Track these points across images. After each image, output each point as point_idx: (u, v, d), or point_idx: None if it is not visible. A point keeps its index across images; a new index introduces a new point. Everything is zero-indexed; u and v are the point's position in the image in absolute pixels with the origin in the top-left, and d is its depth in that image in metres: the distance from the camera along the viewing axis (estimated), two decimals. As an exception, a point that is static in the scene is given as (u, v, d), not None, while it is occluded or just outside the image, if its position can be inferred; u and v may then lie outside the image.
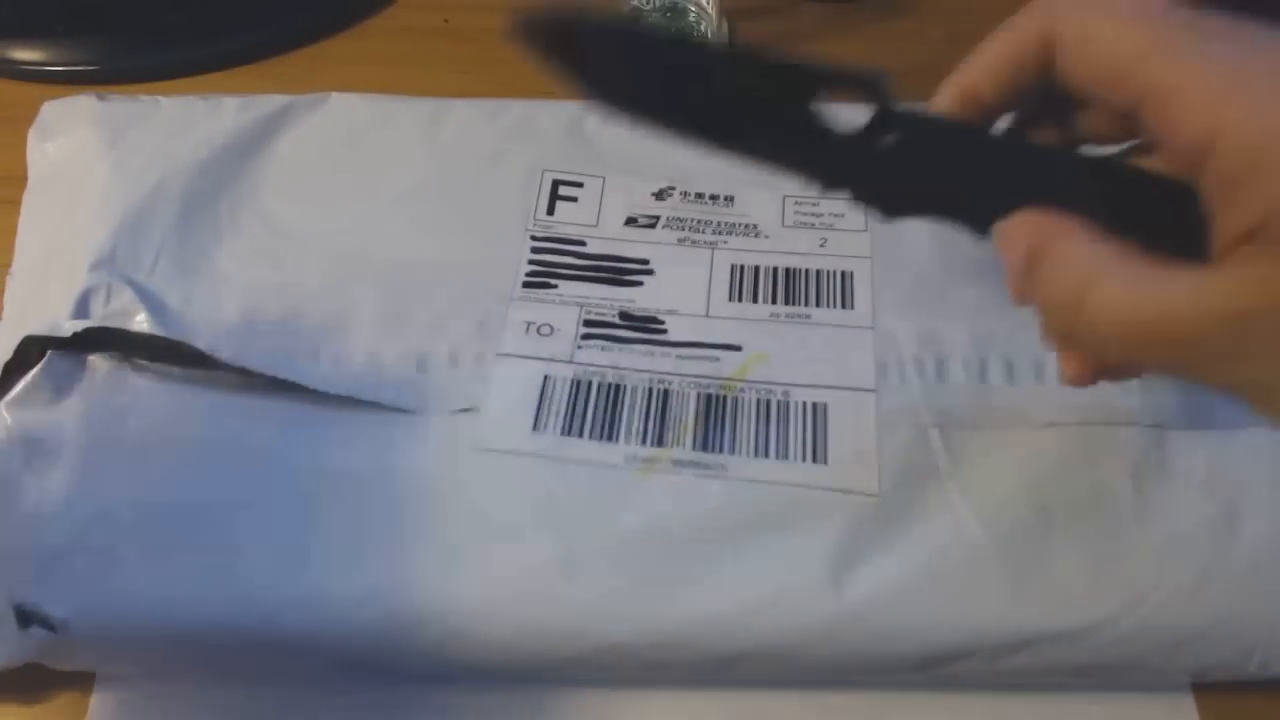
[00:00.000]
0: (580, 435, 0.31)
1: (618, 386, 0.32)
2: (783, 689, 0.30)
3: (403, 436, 0.31)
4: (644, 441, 0.31)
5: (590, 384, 0.32)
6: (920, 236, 0.35)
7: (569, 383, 0.32)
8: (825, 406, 0.31)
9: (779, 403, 0.31)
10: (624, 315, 0.34)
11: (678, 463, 0.30)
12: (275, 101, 0.38)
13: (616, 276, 0.35)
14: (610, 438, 0.31)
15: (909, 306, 0.33)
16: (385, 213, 0.35)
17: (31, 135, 0.38)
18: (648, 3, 0.44)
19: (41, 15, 0.44)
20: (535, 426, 0.31)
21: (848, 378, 0.32)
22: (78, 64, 0.44)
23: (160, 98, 0.38)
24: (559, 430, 0.31)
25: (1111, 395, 0.30)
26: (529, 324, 0.33)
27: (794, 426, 0.31)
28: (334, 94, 0.38)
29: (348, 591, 0.28)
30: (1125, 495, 0.29)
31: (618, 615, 0.28)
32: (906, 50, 0.44)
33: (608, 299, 0.34)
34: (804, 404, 0.31)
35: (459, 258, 0.35)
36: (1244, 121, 0.18)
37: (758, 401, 0.31)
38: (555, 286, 0.34)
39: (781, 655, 0.28)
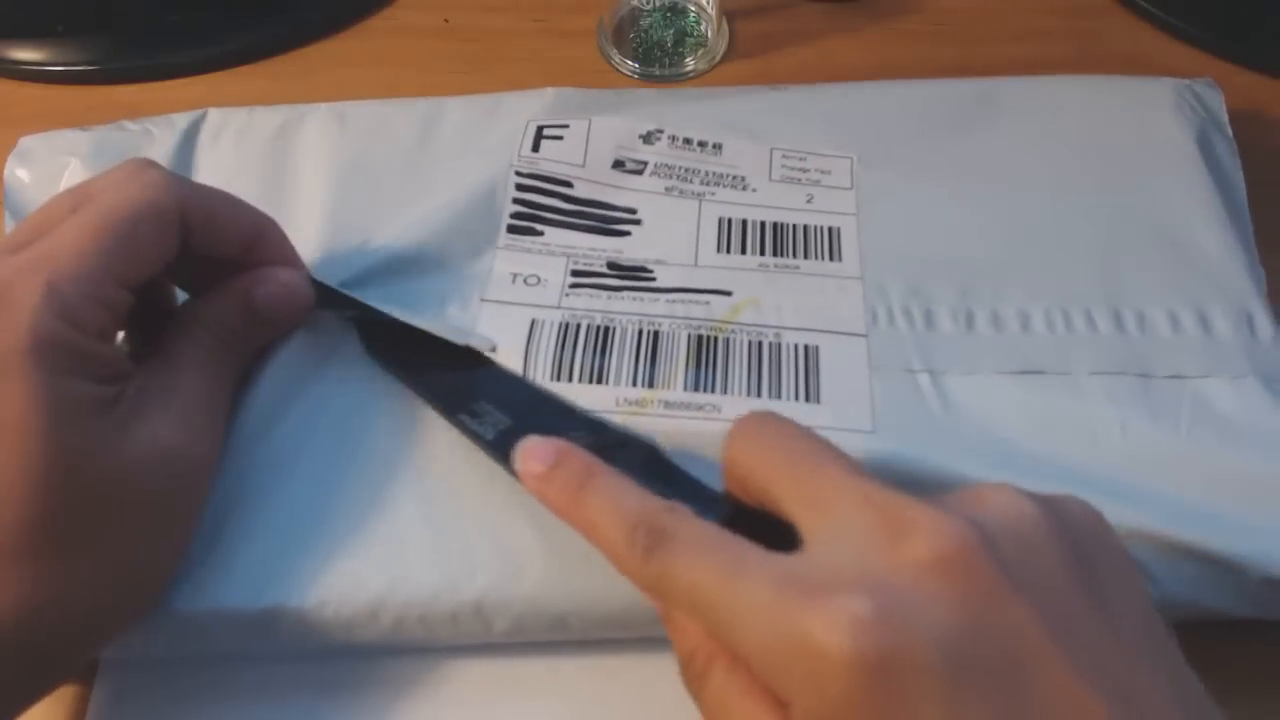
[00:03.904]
0: (569, 379, 0.30)
1: (606, 329, 0.32)
2: None
3: (384, 393, 0.30)
4: (634, 383, 0.30)
5: (579, 326, 0.32)
6: (904, 195, 0.35)
7: (557, 326, 0.31)
8: (817, 349, 0.31)
9: (771, 344, 0.31)
10: (612, 265, 0.33)
11: (669, 404, 0.30)
12: (272, 122, 0.37)
13: (604, 225, 0.34)
14: (599, 380, 0.30)
15: (895, 261, 0.34)
16: (385, 208, 0.35)
17: (9, 174, 0.36)
18: (648, 3, 0.44)
19: (41, 15, 0.44)
20: (523, 372, 0.30)
21: (838, 322, 0.32)
22: (78, 64, 0.44)
23: (151, 127, 0.37)
24: (548, 375, 0.30)
25: (1095, 346, 0.32)
26: (515, 275, 0.33)
27: (786, 368, 0.31)
28: (322, 105, 0.38)
29: (342, 564, 0.28)
30: (1113, 437, 0.30)
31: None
32: (906, 50, 0.44)
33: (595, 249, 0.34)
34: (796, 346, 0.31)
35: (442, 202, 0.34)
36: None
37: (749, 343, 0.31)
38: (541, 233, 0.34)
39: None
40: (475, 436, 0.28)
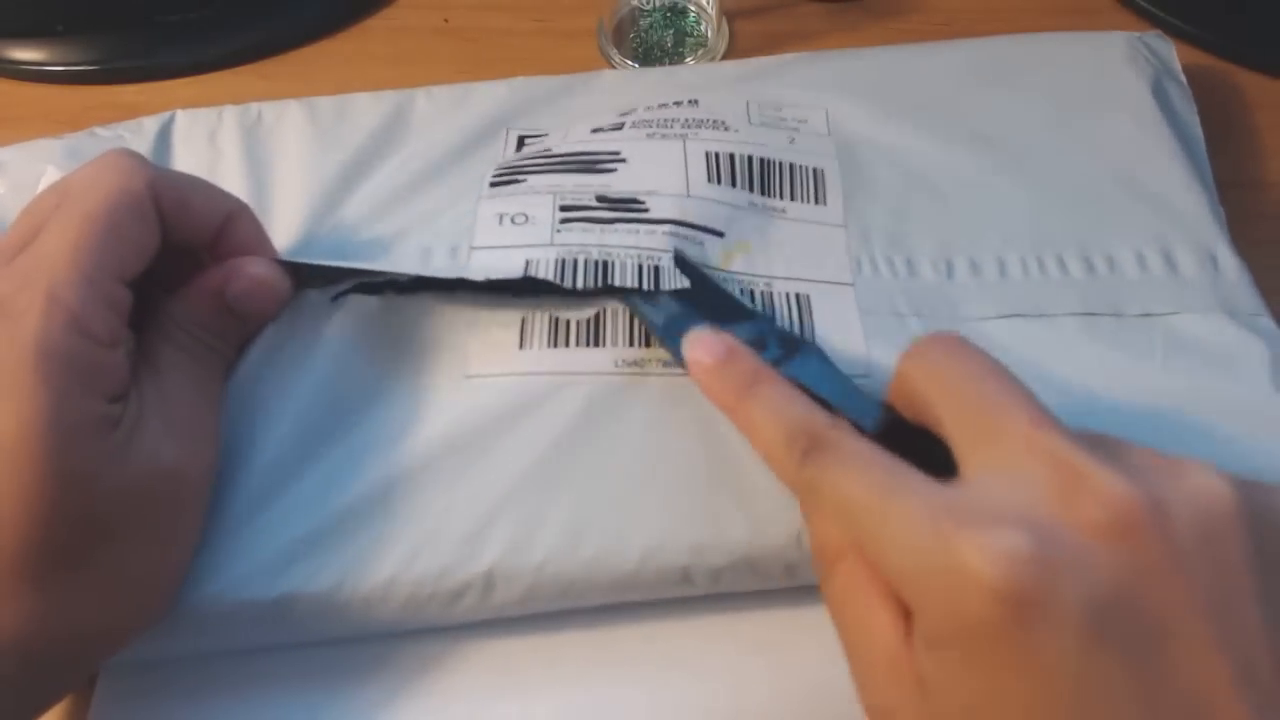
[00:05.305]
0: (565, 345, 0.30)
1: (605, 264, 0.31)
2: (799, 602, 0.30)
3: (381, 373, 0.30)
4: (631, 343, 0.30)
5: (576, 262, 0.31)
6: (876, 148, 0.36)
7: (553, 264, 0.31)
8: (808, 298, 0.32)
9: (763, 293, 0.32)
10: (601, 198, 0.33)
11: (667, 363, 0.30)
12: (243, 120, 0.37)
13: (588, 166, 0.34)
14: (596, 343, 0.30)
15: (875, 209, 0.34)
16: (362, 197, 0.35)
17: None
18: (648, 3, 0.44)
19: (41, 15, 0.44)
20: (521, 343, 0.30)
21: (825, 272, 0.32)
22: (78, 64, 0.44)
23: (124, 132, 0.37)
24: (545, 331, 0.31)
25: (1069, 289, 0.32)
26: (501, 215, 0.32)
27: (780, 317, 0.31)
28: (291, 101, 0.38)
29: (353, 545, 0.28)
30: (1092, 374, 0.30)
31: (629, 521, 0.28)
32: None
33: (582, 185, 0.33)
34: (787, 294, 0.32)
35: (423, 188, 0.35)
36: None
37: (741, 292, 0.31)
38: (524, 180, 0.34)
39: (784, 549, 0.28)
40: (646, 320, 0.30)
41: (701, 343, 0.27)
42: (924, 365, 0.24)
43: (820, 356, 0.29)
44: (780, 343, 0.29)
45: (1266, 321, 0.32)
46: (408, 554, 0.28)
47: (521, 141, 0.37)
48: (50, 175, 0.35)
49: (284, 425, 0.29)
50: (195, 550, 0.27)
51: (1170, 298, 0.32)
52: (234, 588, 0.27)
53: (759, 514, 0.28)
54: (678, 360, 0.28)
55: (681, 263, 0.31)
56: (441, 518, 0.28)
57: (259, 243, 0.30)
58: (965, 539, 0.20)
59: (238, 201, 0.30)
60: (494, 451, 0.29)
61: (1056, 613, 0.19)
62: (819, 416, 0.24)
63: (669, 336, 0.29)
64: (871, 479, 0.22)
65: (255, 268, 0.29)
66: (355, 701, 0.29)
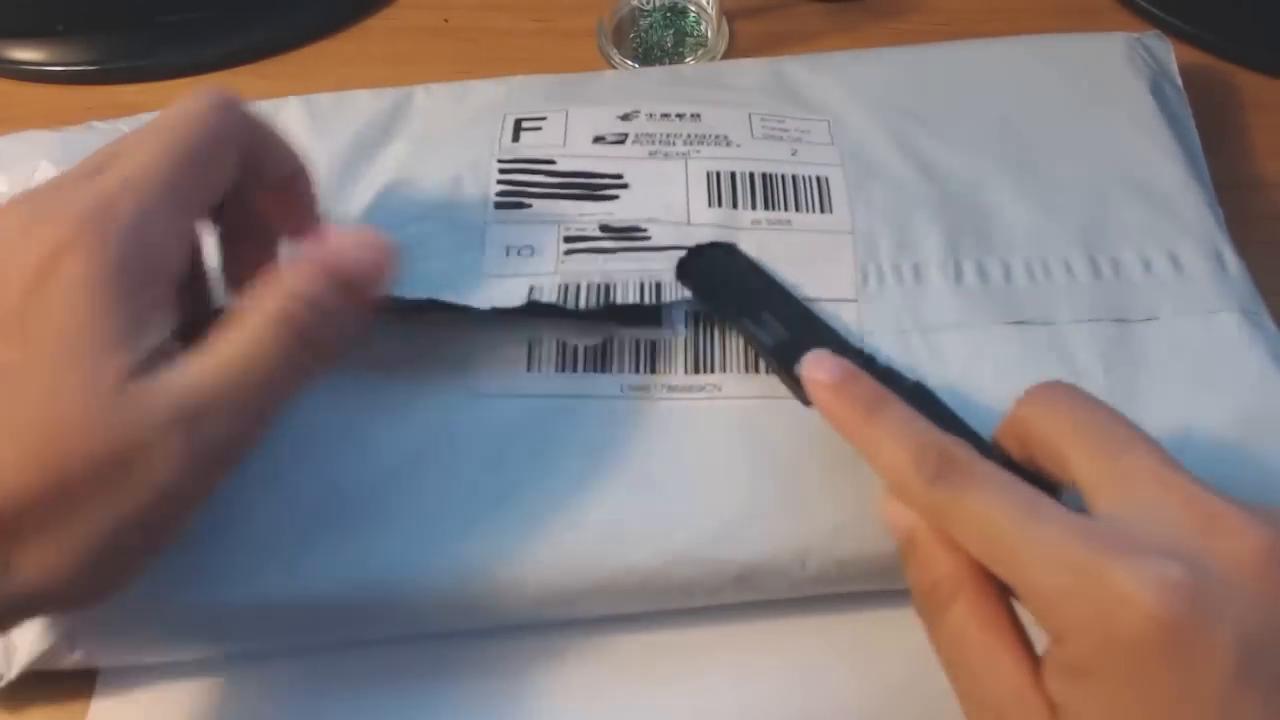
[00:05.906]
0: (575, 369, 0.31)
1: (607, 286, 0.31)
2: (796, 612, 0.30)
3: (397, 386, 0.30)
4: (637, 368, 0.31)
5: (579, 287, 0.31)
6: (881, 153, 0.36)
7: (556, 289, 0.31)
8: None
9: None
10: (604, 228, 0.33)
11: (672, 388, 0.30)
12: None
13: (591, 192, 0.34)
14: (603, 368, 0.31)
15: (883, 213, 0.34)
16: (363, 198, 0.35)
17: None
18: (648, 3, 0.44)
19: (41, 15, 0.44)
20: (529, 366, 0.31)
21: (830, 289, 0.32)
22: (78, 64, 0.44)
23: (123, 126, 0.37)
24: (552, 352, 0.31)
25: (1074, 294, 0.32)
26: (508, 248, 0.33)
27: None
28: (291, 98, 0.38)
29: (364, 553, 0.28)
30: (1096, 382, 0.30)
31: (632, 539, 0.28)
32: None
33: (585, 214, 0.33)
34: None
35: (428, 196, 0.34)
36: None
37: None
38: (529, 206, 0.34)
39: (787, 565, 0.28)
40: (757, 342, 0.30)
41: (822, 364, 0.27)
42: (1047, 408, 0.25)
43: (921, 387, 0.29)
44: (887, 377, 0.29)
45: (1267, 321, 0.32)
46: (410, 564, 0.28)
47: (519, 126, 0.36)
48: (44, 170, 0.35)
49: (285, 428, 0.29)
50: (196, 552, 0.27)
51: (1176, 299, 0.32)
52: (234, 590, 0.27)
53: (762, 534, 0.28)
54: (787, 382, 0.29)
55: (786, 295, 0.32)
56: (445, 530, 0.28)
57: (312, 206, 0.29)
58: (1120, 564, 0.20)
59: (302, 161, 0.29)
60: (500, 469, 0.29)
61: (1211, 642, 0.19)
62: (946, 436, 0.24)
63: (779, 358, 0.29)
64: (1012, 500, 0.22)
65: (370, 236, 0.27)
66: (357, 703, 0.29)
